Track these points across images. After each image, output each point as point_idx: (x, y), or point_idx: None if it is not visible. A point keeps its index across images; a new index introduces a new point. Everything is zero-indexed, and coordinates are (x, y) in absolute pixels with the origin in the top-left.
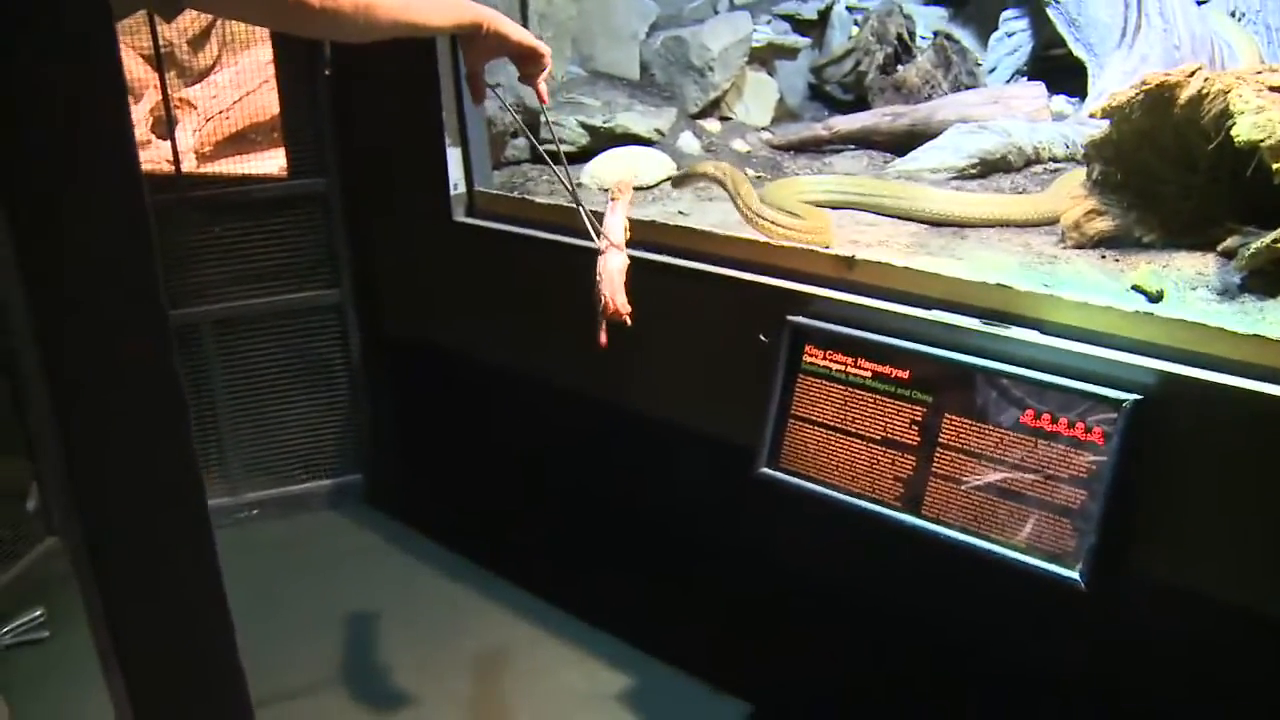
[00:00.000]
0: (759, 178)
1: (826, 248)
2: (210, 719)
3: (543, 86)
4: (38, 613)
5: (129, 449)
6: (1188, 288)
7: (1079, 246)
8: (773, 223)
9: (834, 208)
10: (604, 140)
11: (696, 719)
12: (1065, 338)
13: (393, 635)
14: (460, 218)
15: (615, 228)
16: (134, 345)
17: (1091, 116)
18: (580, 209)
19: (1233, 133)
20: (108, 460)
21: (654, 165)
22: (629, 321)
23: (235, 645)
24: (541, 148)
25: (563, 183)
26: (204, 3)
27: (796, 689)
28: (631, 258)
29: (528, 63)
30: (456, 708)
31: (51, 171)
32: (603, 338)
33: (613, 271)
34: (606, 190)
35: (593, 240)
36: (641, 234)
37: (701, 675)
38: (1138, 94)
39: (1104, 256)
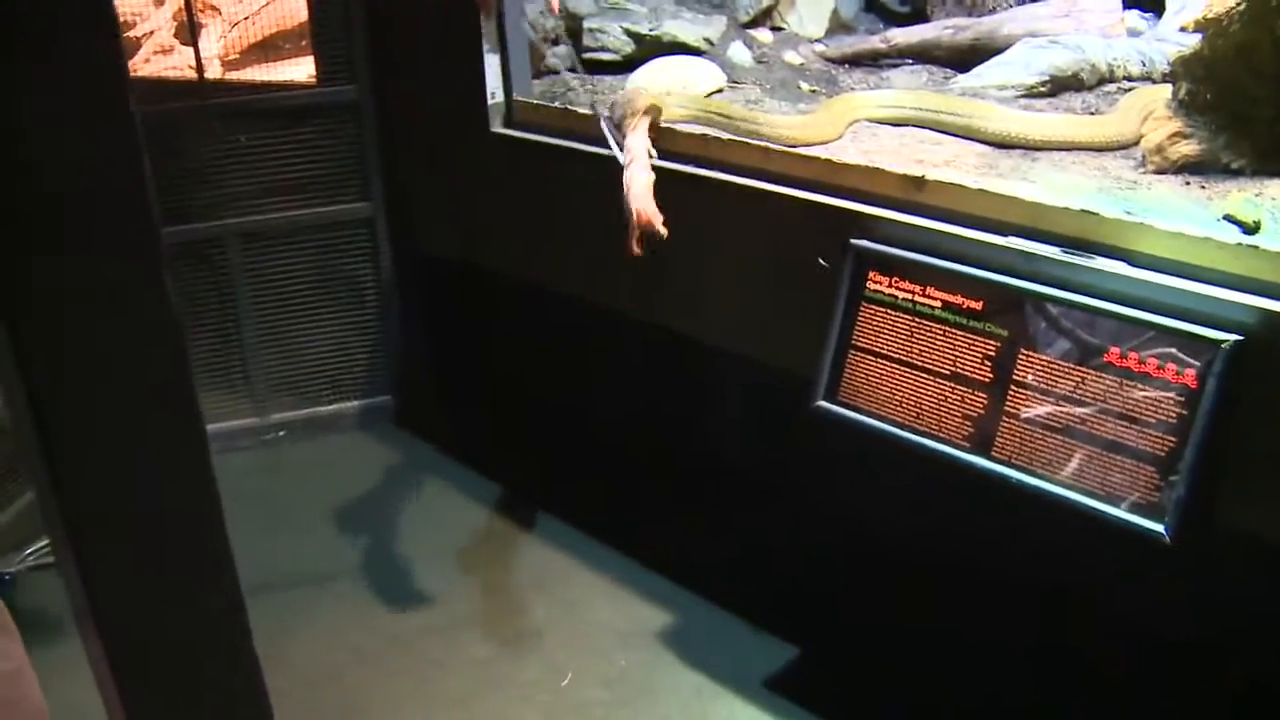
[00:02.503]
0: (813, 91)
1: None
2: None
3: None
4: None
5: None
6: None
7: (1160, 171)
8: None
9: (894, 124)
10: (650, 49)
11: (738, 659)
12: (1155, 270)
13: (423, 562)
14: (498, 128)
15: (638, 144)
16: (119, 253)
17: (1183, 30)
18: (604, 125)
19: None
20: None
21: (703, 76)
22: (663, 232)
23: (235, 576)
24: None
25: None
26: None
27: (844, 633)
28: (668, 171)
29: None
30: (492, 641)
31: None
32: (635, 248)
33: (639, 186)
34: (611, 112)
35: (617, 157)
36: (692, 148)
37: (743, 613)
38: (1240, 2)
39: (1188, 183)
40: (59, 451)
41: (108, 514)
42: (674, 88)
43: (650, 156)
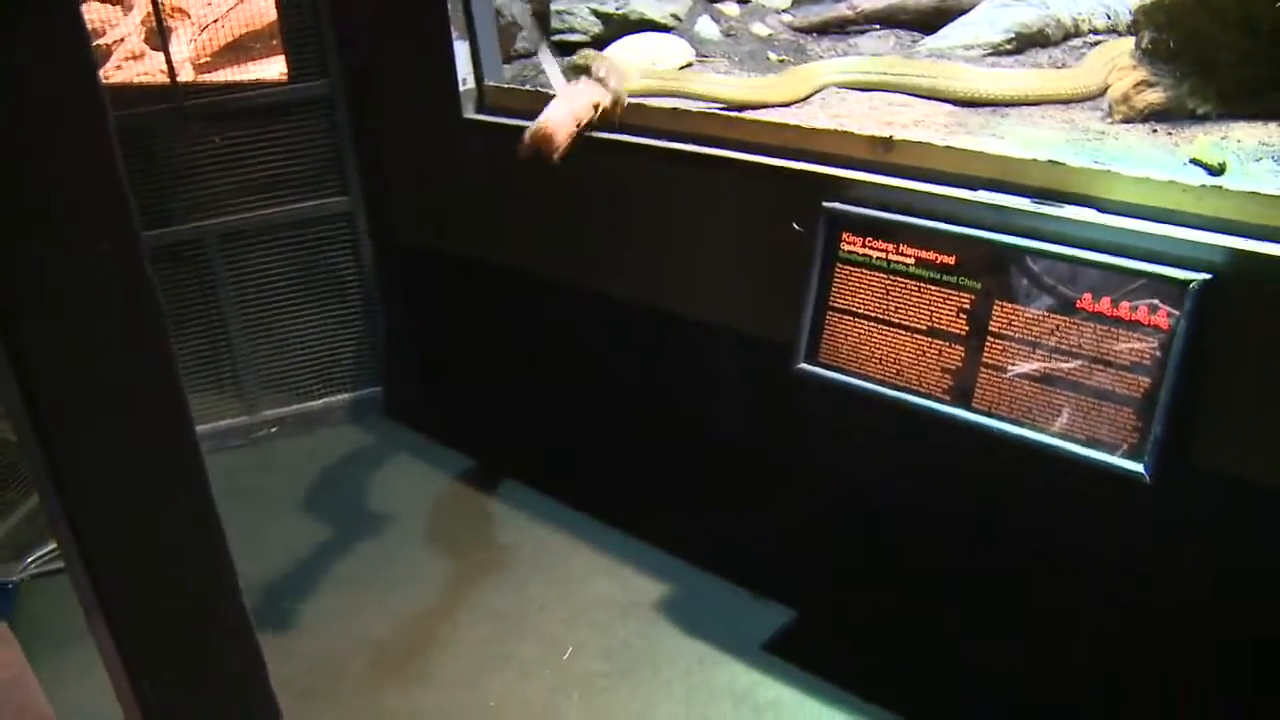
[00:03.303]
0: (782, 61)
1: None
2: (212, 654)
3: None
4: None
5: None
6: (1250, 159)
7: (1127, 120)
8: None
9: (863, 90)
10: (618, 28)
11: (737, 625)
12: (1124, 216)
13: (422, 548)
14: (470, 114)
15: (585, 93)
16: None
17: None
18: (548, 55)
19: None
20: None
21: (672, 52)
22: (554, 159)
23: (231, 563)
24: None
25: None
26: None
27: (840, 593)
28: (641, 146)
29: None
30: (490, 621)
31: None
32: (522, 151)
33: (557, 111)
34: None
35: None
36: (662, 122)
37: (741, 581)
38: None
39: (1155, 130)
40: (53, 444)
41: (103, 505)
42: (643, 64)
43: (581, 120)
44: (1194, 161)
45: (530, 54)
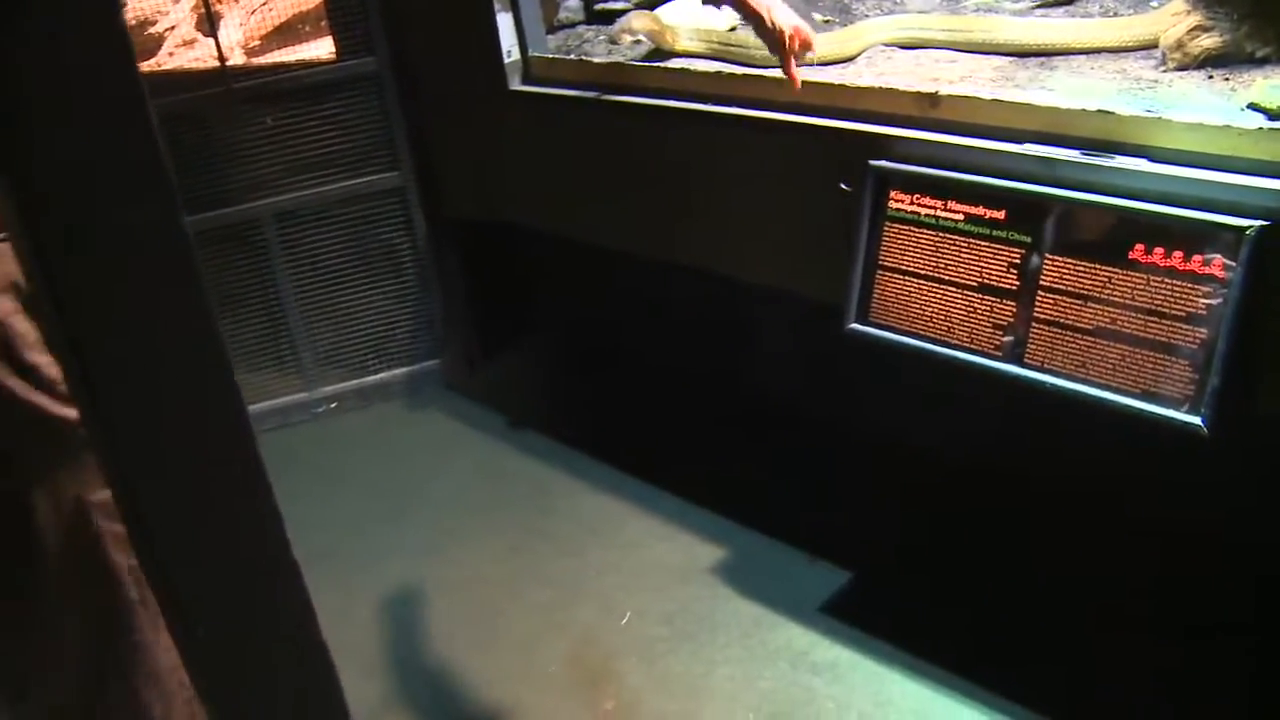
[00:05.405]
0: (826, 21)
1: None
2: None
3: None
4: None
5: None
6: None
7: (1182, 68)
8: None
9: (911, 48)
10: None
11: (793, 587)
12: (1177, 164)
13: (482, 517)
14: (516, 86)
15: None
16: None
17: None
18: None
19: None
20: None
21: (718, 15)
22: (813, 50)
23: (282, 527)
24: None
25: None
26: None
27: (896, 554)
28: (701, 112)
29: None
30: (551, 587)
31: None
32: (794, 73)
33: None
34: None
35: None
36: (708, 86)
37: (797, 544)
38: None
39: (1211, 76)
40: (108, 410)
41: (152, 459)
42: (691, 26)
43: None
44: (1252, 106)
45: (573, 24)
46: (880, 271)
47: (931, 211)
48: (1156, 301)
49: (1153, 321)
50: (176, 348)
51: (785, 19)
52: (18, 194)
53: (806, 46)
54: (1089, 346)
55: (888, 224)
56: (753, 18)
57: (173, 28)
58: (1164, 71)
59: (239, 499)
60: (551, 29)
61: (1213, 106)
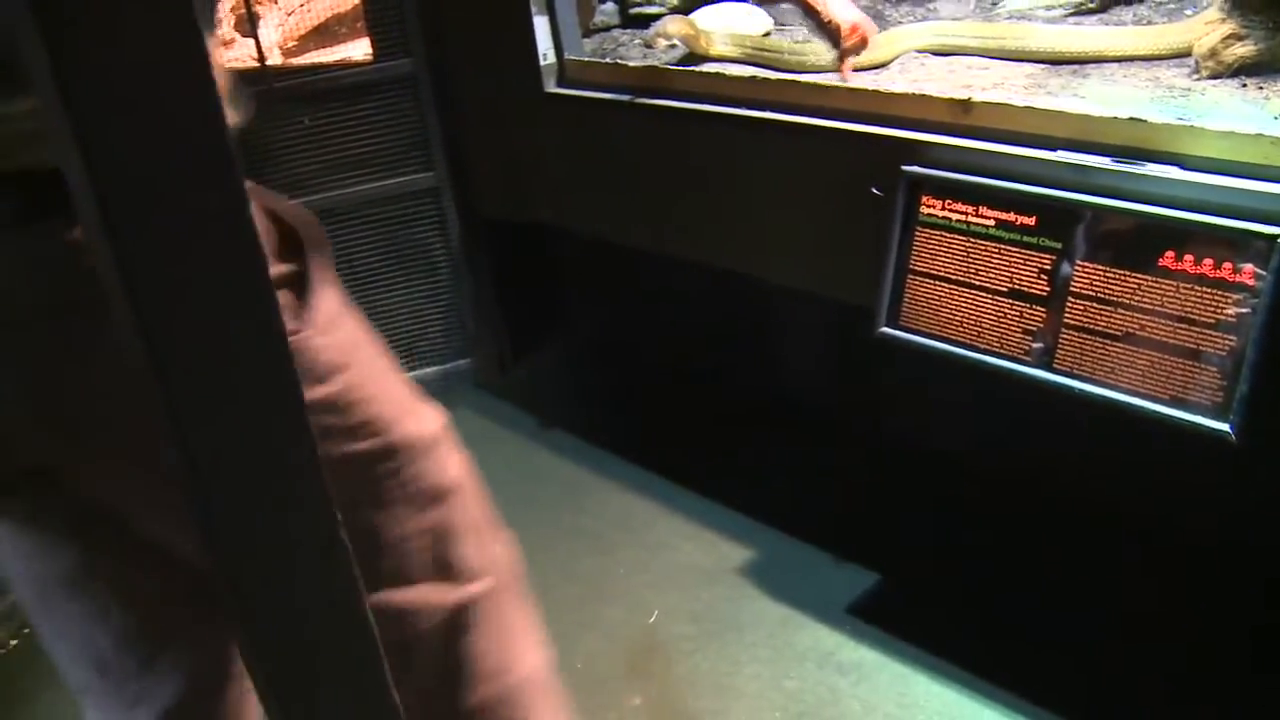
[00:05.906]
0: None
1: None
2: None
3: None
4: None
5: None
6: None
7: (1215, 76)
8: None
9: (944, 54)
10: None
11: (821, 589)
12: (1209, 172)
13: (512, 516)
14: (552, 88)
15: None
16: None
17: None
18: None
19: None
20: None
21: (753, 20)
22: (868, 40)
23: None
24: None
25: None
26: None
27: (922, 556)
28: (735, 116)
29: None
30: (579, 584)
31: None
32: (845, 71)
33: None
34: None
35: None
36: (742, 90)
37: (824, 546)
38: None
39: (1245, 85)
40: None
41: (221, 449)
42: (725, 31)
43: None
44: None
45: (608, 28)
46: (911, 276)
47: (963, 217)
48: (1186, 308)
49: (1182, 328)
50: (243, 327)
51: (843, 14)
52: (95, 186)
53: (863, 43)
54: (1118, 353)
55: (919, 229)
56: (811, 14)
57: None
58: (1197, 80)
59: (299, 483)
60: (587, 33)
61: (1245, 115)
